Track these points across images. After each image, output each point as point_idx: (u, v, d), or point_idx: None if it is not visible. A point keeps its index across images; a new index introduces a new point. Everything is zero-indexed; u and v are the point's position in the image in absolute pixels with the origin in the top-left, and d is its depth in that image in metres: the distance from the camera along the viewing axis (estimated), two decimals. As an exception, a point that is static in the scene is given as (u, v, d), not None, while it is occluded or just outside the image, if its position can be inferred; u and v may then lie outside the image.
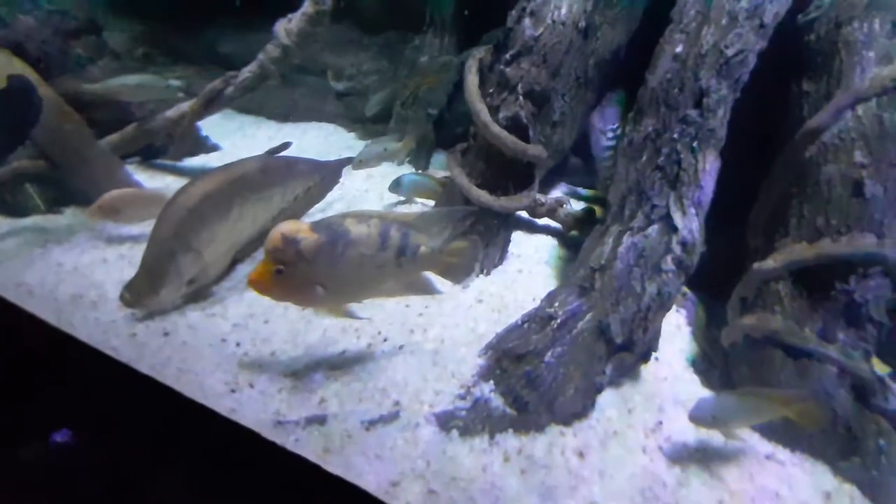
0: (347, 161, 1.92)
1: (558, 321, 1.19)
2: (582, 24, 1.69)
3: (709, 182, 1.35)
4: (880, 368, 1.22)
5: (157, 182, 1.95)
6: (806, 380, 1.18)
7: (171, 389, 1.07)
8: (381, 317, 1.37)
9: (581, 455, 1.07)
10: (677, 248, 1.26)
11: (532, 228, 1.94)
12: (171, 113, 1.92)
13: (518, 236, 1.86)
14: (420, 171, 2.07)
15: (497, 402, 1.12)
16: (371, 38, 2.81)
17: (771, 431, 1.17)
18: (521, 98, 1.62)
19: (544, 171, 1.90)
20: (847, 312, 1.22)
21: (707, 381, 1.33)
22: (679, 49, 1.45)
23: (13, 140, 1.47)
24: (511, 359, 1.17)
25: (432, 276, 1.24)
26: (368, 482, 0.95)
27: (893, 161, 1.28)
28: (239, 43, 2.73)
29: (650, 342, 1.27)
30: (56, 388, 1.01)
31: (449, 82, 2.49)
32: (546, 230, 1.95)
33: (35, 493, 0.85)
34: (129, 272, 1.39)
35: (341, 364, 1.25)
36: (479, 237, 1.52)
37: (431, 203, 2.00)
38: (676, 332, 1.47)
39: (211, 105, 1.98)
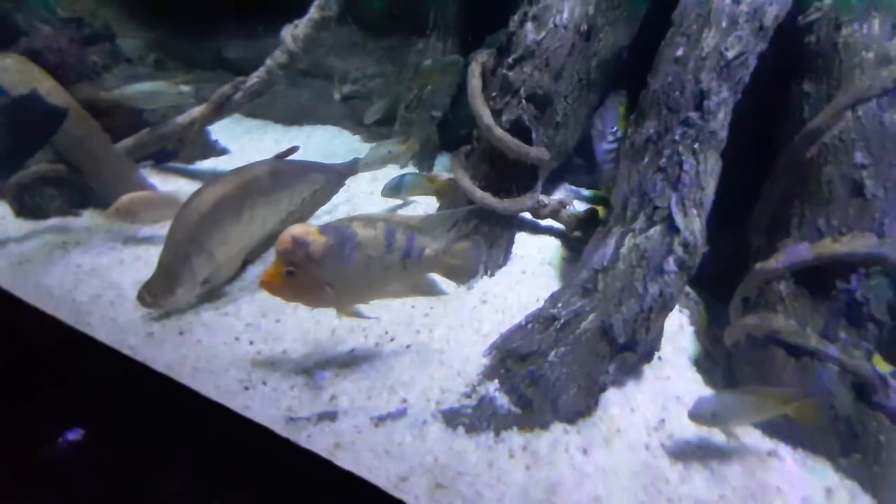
0: (353, 164, 1.92)
1: (561, 321, 1.20)
2: (584, 27, 1.69)
3: (710, 183, 1.35)
4: (882, 367, 1.21)
5: (170, 185, 1.98)
6: (808, 378, 1.18)
7: (184, 387, 1.08)
8: (387, 317, 1.39)
9: (585, 452, 1.08)
10: (679, 249, 1.26)
11: (535, 229, 1.95)
12: (183, 118, 1.95)
13: (521, 237, 1.87)
14: (416, 173, 2.05)
15: (502, 400, 1.13)
16: (375, 41, 2.82)
17: (772, 429, 1.17)
18: (523, 101, 1.63)
19: (547, 172, 1.90)
20: (848, 311, 1.22)
21: (710, 380, 1.33)
22: (680, 52, 1.44)
23: (32, 145, 1.49)
24: (515, 358, 1.18)
25: (437, 278, 1.24)
26: (378, 477, 0.96)
27: (893, 162, 1.27)
28: (246, 48, 2.75)
29: (653, 342, 1.27)
30: (68, 387, 1.01)
31: (452, 85, 2.50)
32: (549, 231, 1.95)
33: (50, 492, 0.84)
34: (146, 272, 1.42)
35: (350, 362, 1.26)
36: (482, 238, 1.52)
37: (427, 200, 2.00)
38: (679, 332, 1.47)
39: (221, 110, 2.00)
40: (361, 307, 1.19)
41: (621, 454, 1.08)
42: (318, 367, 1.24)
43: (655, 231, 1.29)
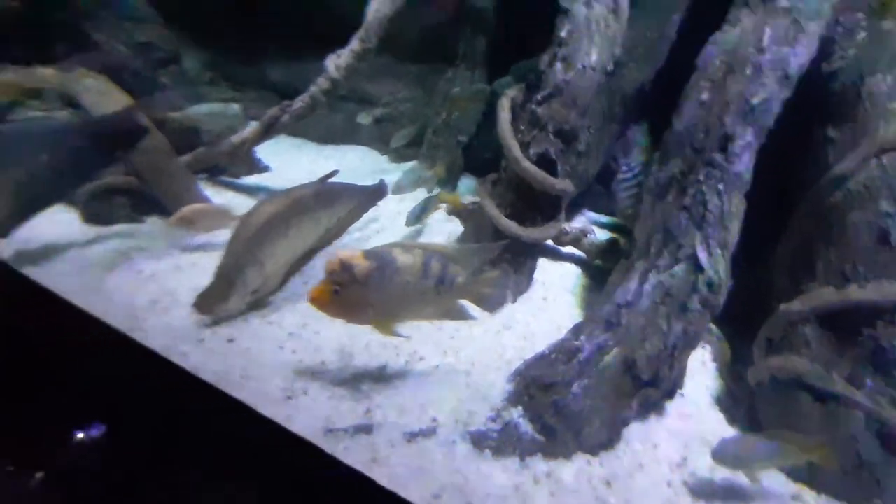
0: (382, 187, 1.97)
1: (585, 354, 1.20)
2: (610, 67, 1.69)
3: (734, 224, 1.34)
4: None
5: (220, 197, 2.07)
6: (833, 423, 1.14)
7: (229, 396, 1.07)
8: (417, 337, 1.42)
9: (608, 484, 1.07)
10: (704, 289, 1.25)
11: (556, 255, 1.96)
12: (236, 138, 2.05)
13: (542, 263, 1.89)
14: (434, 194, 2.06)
15: (526, 427, 1.13)
16: (406, 69, 2.90)
17: (796, 472, 1.15)
18: (551, 136, 1.65)
19: (569, 200, 1.90)
20: (874, 358, 1.19)
21: (732, 419, 1.31)
22: (705, 96, 1.44)
23: (112, 158, 1.57)
24: (539, 387, 1.19)
25: (466, 304, 1.25)
26: (412, 493, 0.97)
27: (920, 211, 1.23)
28: (287, 71, 2.87)
29: (676, 379, 1.26)
30: (109, 392, 0.96)
31: (478, 111, 2.54)
32: (570, 258, 1.96)
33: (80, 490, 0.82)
34: (200, 279, 1.48)
35: (384, 377, 1.29)
36: (508, 266, 1.53)
37: (452, 226, 2.01)
38: (701, 369, 1.46)
39: (269, 131, 2.08)
40: (397, 326, 1.20)
41: (644, 489, 1.08)
42: (354, 379, 1.26)
43: (680, 269, 1.28)
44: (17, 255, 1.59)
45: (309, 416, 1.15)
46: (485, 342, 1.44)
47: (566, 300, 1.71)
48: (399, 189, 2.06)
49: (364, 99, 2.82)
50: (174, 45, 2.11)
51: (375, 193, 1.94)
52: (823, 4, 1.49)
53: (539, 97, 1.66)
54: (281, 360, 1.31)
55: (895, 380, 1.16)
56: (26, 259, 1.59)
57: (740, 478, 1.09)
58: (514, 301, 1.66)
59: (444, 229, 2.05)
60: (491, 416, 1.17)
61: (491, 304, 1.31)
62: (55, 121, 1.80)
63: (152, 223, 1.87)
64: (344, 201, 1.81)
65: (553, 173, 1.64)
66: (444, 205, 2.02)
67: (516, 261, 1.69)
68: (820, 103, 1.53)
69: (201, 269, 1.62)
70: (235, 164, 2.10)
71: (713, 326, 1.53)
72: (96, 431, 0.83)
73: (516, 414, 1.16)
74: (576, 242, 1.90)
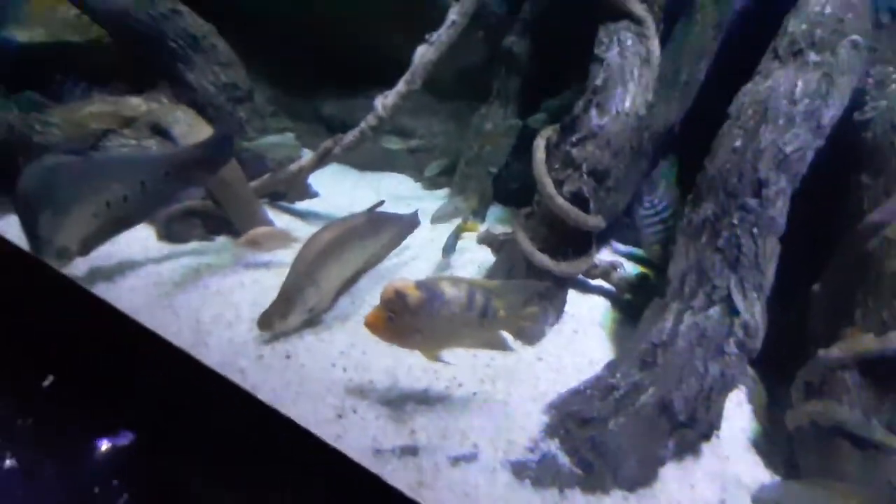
0: (416, 217, 2.06)
1: (621, 392, 1.21)
2: (643, 112, 1.73)
3: (769, 268, 1.33)
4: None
5: (278, 220, 2.17)
6: (873, 471, 1.08)
7: (280, 414, 1.01)
8: (455, 364, 1.42)
9: None
10: (740, 332, 1.23)
11: (585, 288, 1.97)
12: (294, 166, 2.19)
13: (572, 295, 1.89)
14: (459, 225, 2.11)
15: (563, 459, 1.13)
16: (442, 104, 3.03)
17: None
18: (584, 175, 1.68)
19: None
20: None
21: (770, 462, 1.28)
22: (738, 143, 1.46)
23: (196, 183, 1.66)
24: (575, 421, 1.19)
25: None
26: (458, 520, 0.97)
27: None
28: (338, 106, 3.05)
29: (712, 421, 1.24)
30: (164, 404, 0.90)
31: (509, 145, 2.60)
32: (598, 290, 1.97)
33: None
34: (261, 295, 1.55)
35: (426, 400, 1.32)
36: (543, 300, 1.54)
37: (483, 255, 2.03)
38: (737, 410, 1.43)
39: (322, 160, 2.20)
40: (441, 352, 1.24)
41: (682, 530, 1.04)
42: (399, 400, 1.30)
43: (715, 311, 1.27)
44: (94, 270, 1.68)
45: (358, 435, 1.19)
46: (519, 372, 1.46)
47: (596, 334, 1.71)
48: (438, 219, 2.13)
49: (402, 132, 2.95)
50: (250, 84, 2.30)
51: (412, 223, 2.03)
52: (854, 59, 1.49)
53: (574, 139, 1.71)
54: (333, 377, 1.37)
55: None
56: (101, 275, 1.68)
57: (780, 525, 1.05)
58: (545, 334, 1.67)
59: (475, 258, 2.09)
60: (529, 446, 1.17)
61: (530, 337, 1.32)
62: (149, 149, 1.93)
63: (222, 243, 1.98)
64: (387, 229, 1.91)
65: (586, 210, 1.67)
66: (467, 233, 2.05)
67: (548, 294, 1.70)
68: (853, 151, 1.51)
69: (262, 285, 1.72)
70: (292, 190, 2.23)
71: (748, 367, 1.49)
72: (125, 440, 0.79)
73: (553, 446, 1.16)
74: (605, 276, 1.91)
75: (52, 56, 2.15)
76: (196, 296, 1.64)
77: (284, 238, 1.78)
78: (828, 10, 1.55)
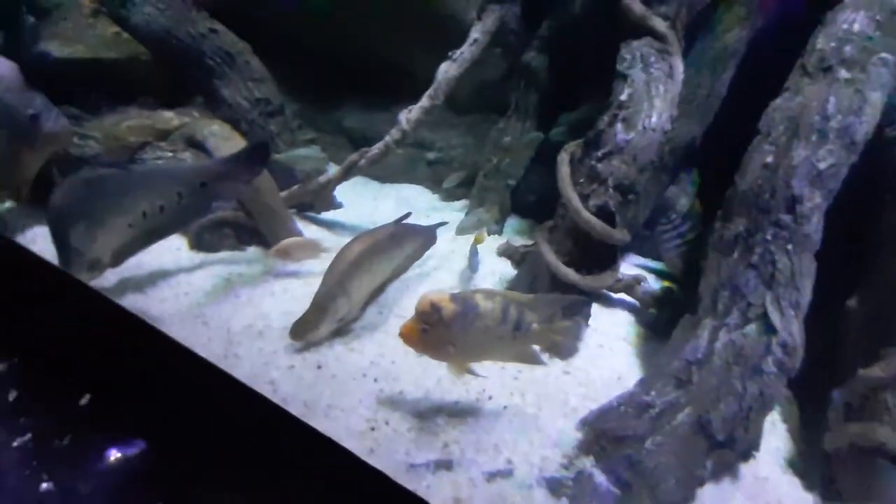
0: (439, 225, 2.07)
1: (657, 410, 1.17)
2: (668, 127, 1.70)
3: (806, 285, 1.28)
4: None
5: (305, 230, 2.17)
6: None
7: (314, 429, 0.91)
8: (484, 375, 1.39)
9: None
10: (778, 350, 1.19)
11: (607, 301, 1.93)
12: (322, 178, 2.21)
13: (594, 309, 1.84)
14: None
15: (600, 478, 1.09)
16: (460, 118, 3.04)
17: None
18: (610, 190, 1.65)
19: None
20: None
21: (808, 483, 1.23)
22: (769, 159, 1.43)
23: (230, 197, 1.68)
24: (610, 439, 1.14)
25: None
26: (498, 539, 0.94)
27: None
28: (360, 119, 3.09)
29: (752, 441, 1.19)
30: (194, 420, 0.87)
31: (527, 158, 2.59)
32: (621, 304, 1.92)
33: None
34: (291, 304, 1.54)
35: (457, 413, 1.30)
36: (574, 316, 1.51)
37: (503, 268, 2.00)
38: (772, 430, 1.38)
39: (348, 173, 2.21)
40: (473, 365, 1.21)
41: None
42: (430, 412, 1.27)
43: (751, 329, 1.23)
44: (126, 280, 1.66)
45: (391, 448, 1.16)
46: (547, 386, 1.42)
47: (622, 348, 1.67)
48: (462, 231, 2.13)
49: (421, 144, 2.96)
50: (281, 99, 2.35)
51: (433, 235, 2.03)
52: (884, 76, 1.45)
53: (599, 154, 1.69)
54: (364, 388, 1.35)
55: None
56: (133, 285, 1.67)
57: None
58: (578, 349, 1.63)
59: (495, 269, 2.06)
60: (563, 463, 1.14)
61: (563, 351, 1.30)
62: (184, 162, 1.95)
63: (253, 252, 1.98)
64: (412, 241, 1.91)
65: (612, 224, 1.64)
66: (478, 244, 2.03)
67: (574, 308, 1.66)
68: (885, 167, 1.46)
69: (292, 294, 1.72)
70: (319, 200, 2.24)
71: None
72: (135, 449, 0.77)
73: (588, 464, 1.12)
74: (628, 290, 1.87)
75: (87, 71, 2.18)
76: (227, 306, 1.63)
77: (314, 248, 1.79)
78: (856, 27, 1.53)
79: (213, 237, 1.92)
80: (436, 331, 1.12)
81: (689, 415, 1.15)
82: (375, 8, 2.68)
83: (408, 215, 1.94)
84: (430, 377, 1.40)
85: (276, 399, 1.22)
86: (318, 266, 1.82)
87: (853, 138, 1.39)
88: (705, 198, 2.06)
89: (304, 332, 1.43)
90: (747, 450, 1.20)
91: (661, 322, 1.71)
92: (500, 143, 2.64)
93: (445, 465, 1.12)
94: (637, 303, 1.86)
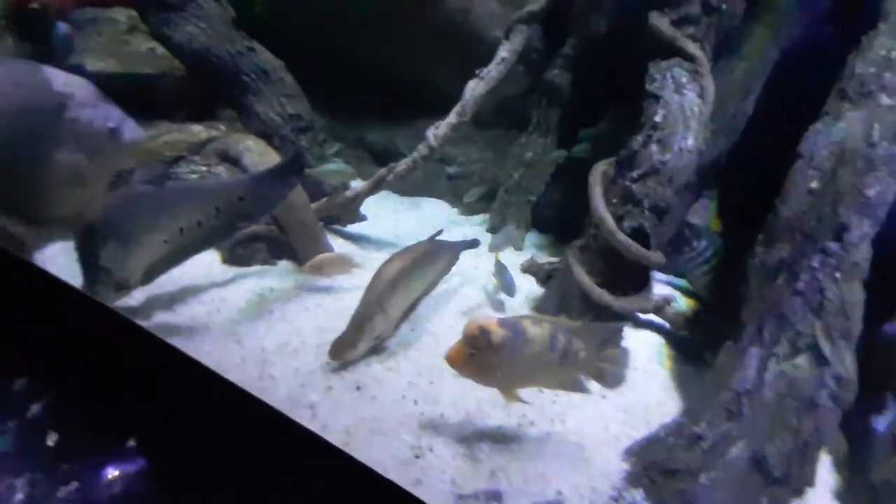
0: (468, 244, 2.03)
1: (708, 443, 1.10)
2: (703, 148, 1.66)
3: (856, 314, 1.22)
4: None
5: (333, 243, 2.11)
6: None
7: (360, 462, 0.79)
8: (529, 402, 1.34)
9: None
10: (831, 383, 1.14)
11: (636, 323, 1.85)
12: (350, 192, 2.20)
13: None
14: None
15: (652, 513, 1.02)
16: (480, 133, 3.02)
17: None
18: (646, 212, 1.60)
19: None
20: None
21: None
22: (814, 185, 1.39)
23: (266, 211, 1.61)
24: (660, 472, 1.09)
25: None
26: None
27: None
28: (382, 134, 3.08)
29: (807, 477, 1.13)
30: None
31: (548, 174, 2.56)
32: (649, 325, 1.86)
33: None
34: (325, 319, 1.49)
35: (501, 439, 1.25)
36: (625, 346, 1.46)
37: (528, 286, 1.96)
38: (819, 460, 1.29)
39: (377, 187, 2.18)
40: (520, 391, 1.17)
41: None
42: (474, 437, 1.22)
43: (803, 360, 1.18)
44: (156, 297, 1.59)
45: (437, 478, 1.11)
46: (585, 412, 1.37)
47: (656, 372, 1.61)
48: (495, 248, 2.10)
49: (442, 158, 2.94)
50: (312, 115, 2.33)
51: (459, 251, 1.99)
52: (928, 102, 1.40)
53: (634, 175, 1.65)
54: (404, 410, 1.29)
55: None
56: (163, 303, 1.60)
57: None
58: (625, 378, 1.57)
59: (521, 287, 1.99)
60: (613, 495, 1.09)
61: (609, 380, 1.25)
62: (218, 176, 1.93)
63: (285, 267, 1.94)
64: (444, 257, 1.88)
65: (647, 246, 1.60)
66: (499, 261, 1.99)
67: (615, 336, 1.60)
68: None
69: (325, 310, 1.67)
70: (345, 213, 2.22)
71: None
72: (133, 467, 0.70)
73: (638, 496, 1.07)
74: (658, 311, 1.81)
75: (121, 86, 2.20)
76: (261, 323, 1.57)
77: (346, 264, 1.76)
78: (894, 55, 1.49)
79: (246, 251, 1.89)
80: (483, 356, 1.08)
81: (744, 450, 1.09)
82: (398, 24, 2.68)
83: (440, 232, 1.90)
84: (469, 400, 1.35)
85: (315, 424, 1.17)
86: (350, 281, 1.79)
87: (900, 165, 1.34)
88: (726, 217, 2.01)
89: (343, 351, 1.39)
90: (802, 486, 1.14)
91: (693, 345, 1.67)
92: (523, 159, 2.61)
93: (495, 495, 1.07)
94: (666, 324, 1.80)
